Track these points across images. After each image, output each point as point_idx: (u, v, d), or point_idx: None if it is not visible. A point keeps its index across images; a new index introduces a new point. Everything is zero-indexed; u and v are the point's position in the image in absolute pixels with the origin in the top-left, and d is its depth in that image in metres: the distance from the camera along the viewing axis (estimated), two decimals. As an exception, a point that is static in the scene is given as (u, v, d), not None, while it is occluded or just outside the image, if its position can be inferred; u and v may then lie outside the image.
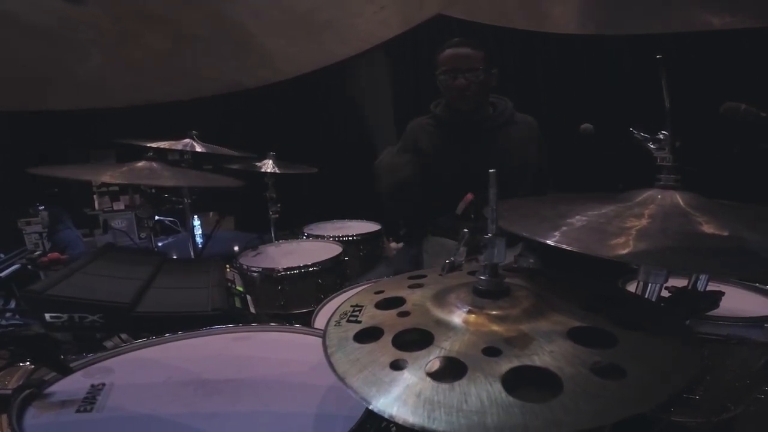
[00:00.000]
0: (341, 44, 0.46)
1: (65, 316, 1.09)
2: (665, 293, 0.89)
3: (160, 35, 0.42)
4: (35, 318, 1.11)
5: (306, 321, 1.66)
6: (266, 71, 0.49)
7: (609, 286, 0.80)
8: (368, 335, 0.66)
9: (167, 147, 2.21)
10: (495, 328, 0.62)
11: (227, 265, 1.61)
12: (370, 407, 0.51)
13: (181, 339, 1.03)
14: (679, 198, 0.85)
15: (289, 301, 1.87)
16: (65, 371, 0.84)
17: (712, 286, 0.88)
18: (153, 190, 1.92)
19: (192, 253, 2.17)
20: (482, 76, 1.93)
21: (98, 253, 1.46)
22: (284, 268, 1.84)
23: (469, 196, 1.84)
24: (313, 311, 1.39)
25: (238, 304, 1.31)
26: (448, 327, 0.64)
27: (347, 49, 0.45)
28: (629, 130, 0.94)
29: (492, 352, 0.57)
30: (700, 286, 0.88)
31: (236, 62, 0.48)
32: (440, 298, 0.72)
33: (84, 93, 0.49)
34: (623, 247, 0.68)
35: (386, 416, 0.49)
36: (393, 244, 2.86)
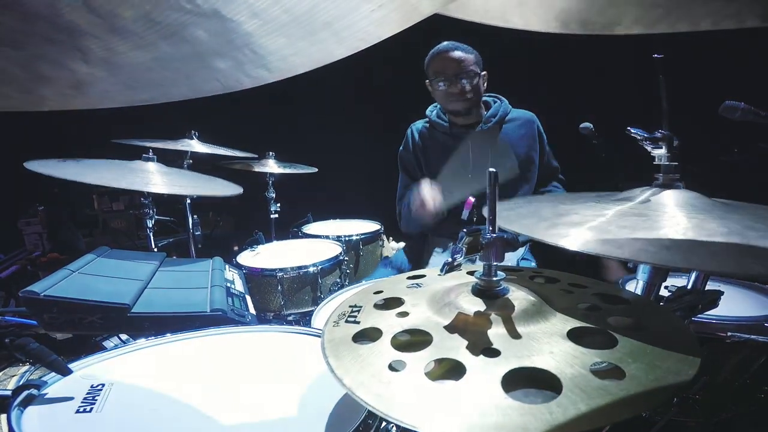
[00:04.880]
0: (338, 44, 0.46)
1: (63, 317, 1.09)
2: (665, 293, 0.89)
3: (159, 35, 0.42)
4: (34, 318, 1.11)
5: (305, 321, 1.66)
6: (263, 71, 0.48)
7: (609, 286, 0.80)
8: (367, 336, 0.66)
9: (167, 147, 2.21)
10: (494, 328, 0.62)
11: (226, 266, 1.61)
12: (369, 408, 0.51)
13: (181, 339, 1.03)
14: (678, 197, 0.85)
15: (288, 301, 1.87)
16: (64, 372, 0.84)
17: (712, 286, 0.88)
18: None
19: (192, 253, 2.18)
20: (477, 79, 1.93)
21: (97, 254, 1.46)
22: (283, 269, 1.84)
23: (471, 200, 1.84)
24: (312, 311, 1.39)
25: (237, 304, 1.30)
26: (446, 328, 0.64)
27: (344, 49, 0.45)
28: (626, 129, 0.94)
29: (491, 353, 0.57)
30: (699, 286, 0.88)
31: (234, 62, 0.48)
32: (439, 299, 0.72)
33: (82, 93, 0.49)
34: (622, 245, 0.68)
35: (385, 417, 0.49)
36: (393, 244, 2.86)
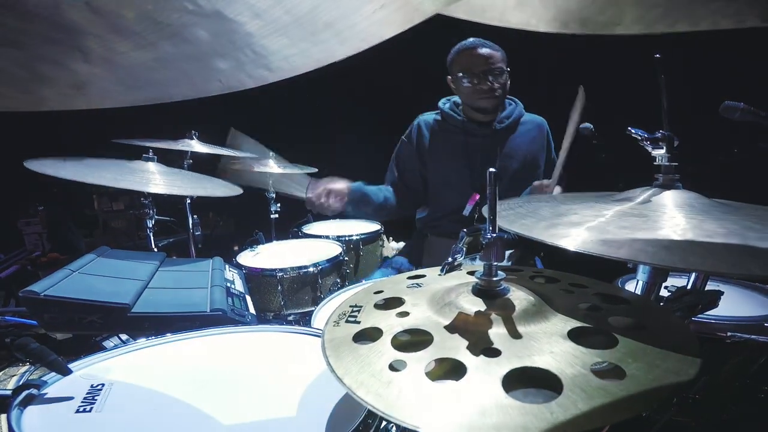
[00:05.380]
0: (340, 44, 0.46)
1: (63, 317, 1.09)
2: (665, 293, 0.89)
3: (160, 35, 0.42)
4: (35, 318, 1.11)
5: (305, 321, 1.66)
6: (265, 71, 0.48)
7: (609, 286, 0.80)
8: (367, 336, 0.66)
9: (167, 147, 2.21)
10: (494, 328, 0.62)
11: (226, 266, 1.61)
12: (369, 408, 0.51)
13: (181, 339, 1.03)
14: (678, 197, 0.85)
15: (288, 301, 1.87)
16: (64, 371, 0.84)
17: (711, 286, 0.89)
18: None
19: (193, 253, 2.18)
20: (505, 77, 1.91)
21: (98, 254, 1.46)
22: (284, 269, 1.84)
23: (476, 196, 1.84)
24: (312, 311, 1.39)
25: (237, 304, 1.30)
26: (447, 327, 0.64)
27: (346, 49, 0.45)
28: (627, 130, 0.94)
29: (492, 352, 0.57)
30: (699, 286, 0.88)
31: (236, 62, 0.48)
32: (439, 299, 0.72)
33: (83, 93, 0.49)
34: (622, 246, 0.68)
35: (386, 417, 0.49)
36: (393, 244, 2.86)
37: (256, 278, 1.83)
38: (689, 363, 0.53)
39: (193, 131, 2.36)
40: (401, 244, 2.79)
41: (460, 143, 2.01)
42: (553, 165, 2.15)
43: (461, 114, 2.03)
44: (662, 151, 0.91)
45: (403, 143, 2.16)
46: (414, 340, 0.63)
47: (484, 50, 1.87)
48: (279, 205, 2.79)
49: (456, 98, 2.07)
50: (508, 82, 1.97)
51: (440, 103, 2.10)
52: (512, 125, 2.01)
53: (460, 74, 1.90)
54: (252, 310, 1.36)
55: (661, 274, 0.89)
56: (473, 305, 0.67)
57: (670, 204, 0.83)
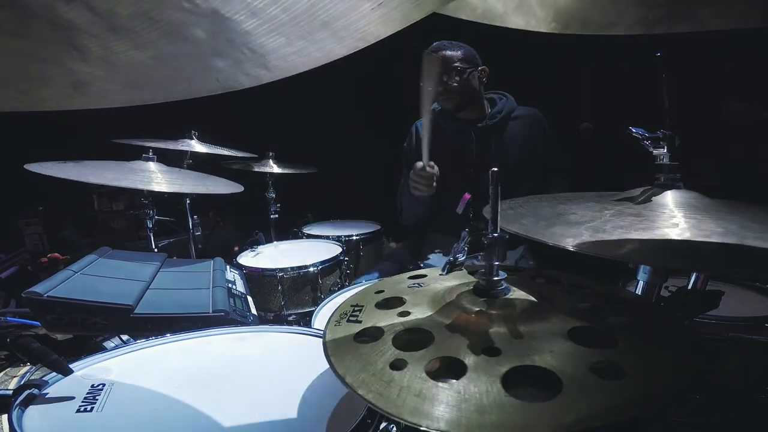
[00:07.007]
0: (337, 43, 0.46)
1: (67, 318, 1.10)
2: (665, 293, 0.89)
3: (157, 34, 0.42)
4: (38, 319, 1.11)
5: (306, 321, 1.66)
6: (262, 70, 0.49)
7: (609, 286, 0.80)
8: (368, 335, 0.66)
9: (167, 147, 2.21)
10: (495, 328, 0.62)
11: (227, 266, 1.61)
12: (370, 406, 0.51)
13: (182, 339, 1.03)
14: (678, 197, 0.85)
15: (289, 301, 1.87)
16: (65, 372, 0.84)
17: (712, 286, 0.88)
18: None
19: (193, 254, 2.18)
20: (462, 77, 1.92)
21: (99, 254, 1.46)
22: (284, 269, 1.84)
23: (467, 196, 1.84)
24: (313, 311, 1.39)
25: (239, 305, 1.30)
26: (448, 327, 0.64)
27: (343, 48, 0.45)
28: (627, 129, 0.94)
29: (492, 351, 0.57)
30: (699, 286, 0.88)
31: (233, 61, 0.48)
32: (440, 298, 0.72)
33: (81, 93, 0.49)
34: (622, 245, 0.68)
35: (387, 415, 0.49)
36: (393, 244, 2.86)
37: (256, 278, 1.83)
38: (689, 363, 0.53)
39: (193, 131, 2.36)
40: (401, 244, 2.79)
41: (454, 143, 2.02)
42: (556, 156, 2.15)
43: (446, 114, 2.04)
44: (663, 151, 0.90)
45: (406, 149, 2.19)
46: (415, 339, 0.63)
47: (440, 54, 1.91)
48: (279, 205, 2.79)
49: None
50: (477, 80, 1.97)
51: (433, 106, 2.12)
52: (503, 121, 2.01)
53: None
54: (254, 311, 1.36)
55: (662, 275, 0.88)
56: (474, 305, 0.67)
57: (670, 204, 0.83)
